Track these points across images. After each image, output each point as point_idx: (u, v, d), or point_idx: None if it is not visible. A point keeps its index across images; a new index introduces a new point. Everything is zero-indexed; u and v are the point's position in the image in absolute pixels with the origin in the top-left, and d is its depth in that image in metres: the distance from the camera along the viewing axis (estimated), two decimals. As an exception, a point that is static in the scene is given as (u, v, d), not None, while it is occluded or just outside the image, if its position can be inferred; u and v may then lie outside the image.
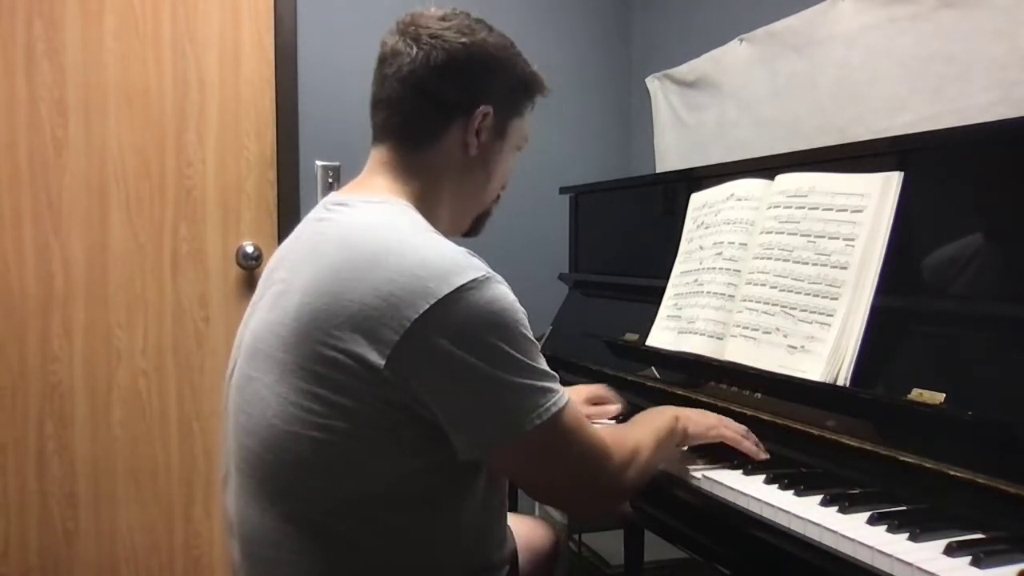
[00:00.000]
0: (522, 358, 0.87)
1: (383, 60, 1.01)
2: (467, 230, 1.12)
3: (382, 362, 0.83)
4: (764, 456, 1.12)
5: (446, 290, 0.83)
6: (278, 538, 0.91)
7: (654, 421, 1.08)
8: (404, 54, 0.98)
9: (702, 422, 1.14)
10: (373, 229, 0.92)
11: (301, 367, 0.87)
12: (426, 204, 1.00)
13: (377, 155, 1.03)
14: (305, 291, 0.89)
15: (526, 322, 0.89)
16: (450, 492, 0.93)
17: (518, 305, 0.89)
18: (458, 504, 0.94)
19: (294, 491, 0.90)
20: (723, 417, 1.17)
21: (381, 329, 0.83)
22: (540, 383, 0.88)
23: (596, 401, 1.43)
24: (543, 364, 0.90)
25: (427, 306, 0.83)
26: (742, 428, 1.15)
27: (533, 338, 0.90)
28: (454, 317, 0.83)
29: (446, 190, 1.03)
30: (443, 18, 1.00)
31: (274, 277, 0.99)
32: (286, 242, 1.05)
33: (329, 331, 0.85)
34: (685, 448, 1.16)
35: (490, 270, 0.88)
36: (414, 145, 1.01)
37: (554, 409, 0.88)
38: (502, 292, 0.87)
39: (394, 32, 1.01)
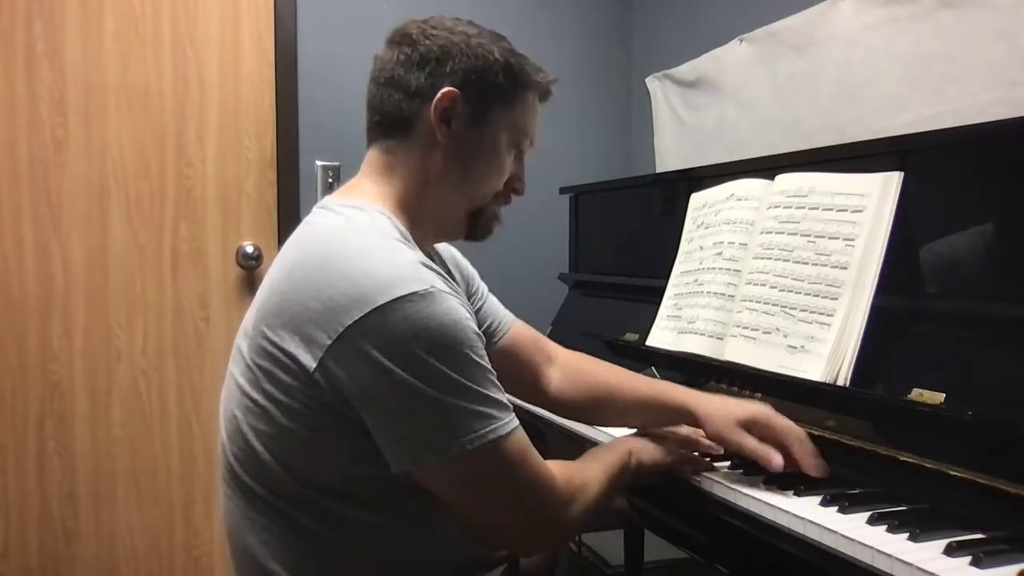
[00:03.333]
0: (458, 378, 0.84)
1: (372, 71, 1.03)
2: (467, 232, 1.07)
3: (313, 364, 0.84)
4: (722, 465, 1.11)
5: (383, 300, 0.82)
6: (250, 528, 0.93)
7: (606, 456, 1.05)
8: (384, 59, 1.01)
9: (655, 449, 1.11)
10: (331, 234, 0.92)
11: (253, 361, 0.91)
12: (410, 207, 1.00)
13: (367, 158, 1.04)
14: (265, 290, 0.94)
15: (473, 342, 0.86)
16: (411, 491, 0.90)
17: (465, 324, 0.85)
18: (424, 502, 0.91)
19: (257, 481, 0.92)
20: (676, 434, 1.15)
21: (316, 332, 0.84)
22: (477, 407, 0.84)
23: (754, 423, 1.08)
24: (488, 388, 0.86)
25: (361, 314, 0.82)
26: (692, 438, 1.14)
27: (481, 359, 0.87)
28: (387, 328, 0.82)
29: (426, 183, 1.00)
30: (425, 21, 1.01)
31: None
32: None
33: (274, 328, 0.88)
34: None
35: (440, 285, 0.85)
36: (390, 136, 1.00)
37: (491, 436, 0.85)
38: (445, 308, 0.84)
39: (384, 44, 1.03)
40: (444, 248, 1.20)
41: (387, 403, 0.84)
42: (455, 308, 0.85)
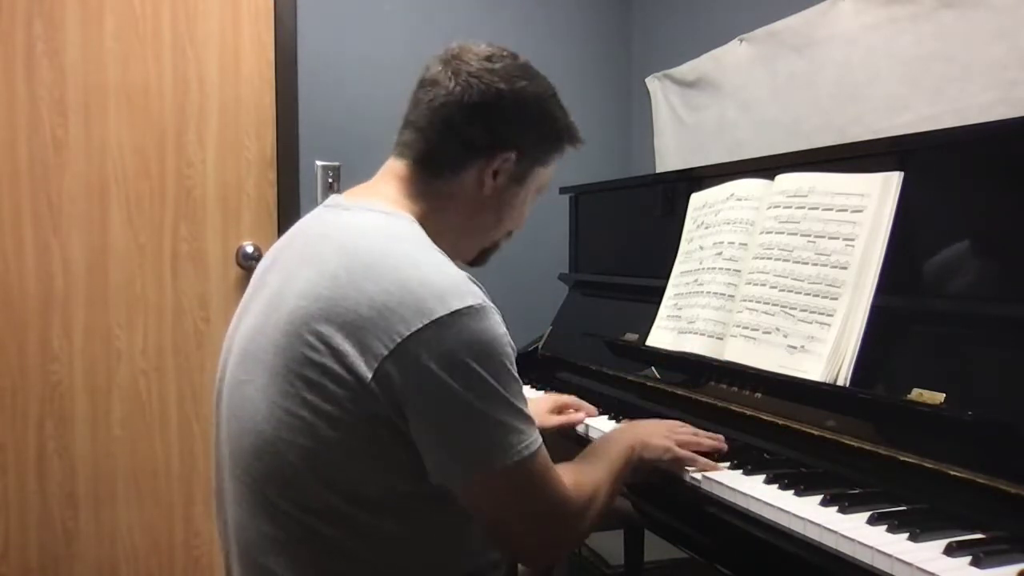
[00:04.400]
0: (504, 393, 0.86)
1: (422, 84, 1.02)
2: (471, 260, 1.11)
3: (369, 374, 0.83)
4: (722, 467, 1.11)
5: (442, 311, 0.83)
6: (271, 544, 0.91)
7: (610, 454, 1.06)
8: (442, 85, 0.98)
9: (656, 446, 1.11)
10: (375, 237, 0.91)
11: (290, 370, 0.87)
12: (430, 226, 0.98)
13: (393, 167, 1.03)
14: (300, 295, 0.88)
15: (513, 358, 0.88)
16: (440, 501, 0.91)
17: (508, 340, 0.88)
18: (449, 512, 0.92)
19: (284, 496, 0.89)
20: (673, 427, 1.16)
21: (372, 340, 0.83)
22: (517, 423, 0.87)
23: (561, 410, 1.44)
24: (524, 404, 0.89)
25: (420, 324, 0.82)
26: (691, 434, 1.15)
27: (517, 375, 0.89)
28: (445, 340, 0.82)
29: (452, 220, 1.02)
30: (489, 58, 1.00)
31: (267, 279, 0.98)
32: (279, 243, 1.05)
33: (320, 335, 0.85)
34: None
35: (487, 300, 0.88)
36: (431, 171, 1.00)
37: (526, 452, 0.86)
38: (495, 323, 0.87)
39: (438, 60, 1.01)
40: None
41: (440, 415, 0.84)
42: (500, 323, 0.88)
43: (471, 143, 0.99)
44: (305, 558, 0.90)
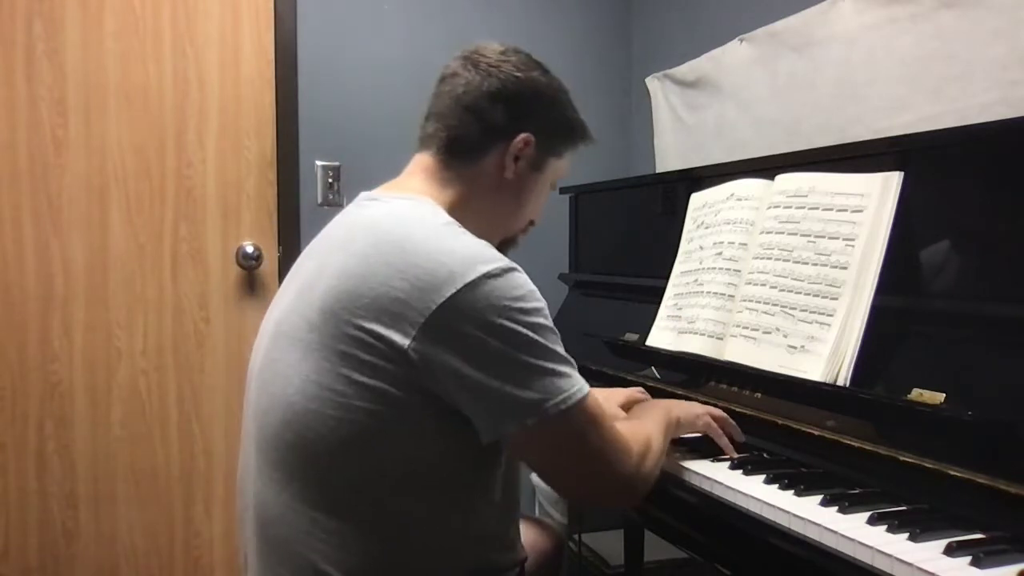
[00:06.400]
0: (544, 343, 0.90)
1: (442, 79, 1.09)
2: None
3: (407, 342, 0.87)
4: (734, 454, 1.16)
5: (471, 276, 0.87)
6: (293, 517, 0.93)
7: (652, 413, 1.12)
8: (463, 76, 1.06)
9: (690, 411, 1.18)
10: (401, 218, 0.97)
11: (326, 346, 0.90)
12: (456, 213, 1.03)
13: (419, 160, 1.09)
14: (334, 275, 0.93)
15: (546, 310, 0.93)
16: (465, 484, 0.96)
17: (539, 295, 0.93)
18: (471, 497, 0.97)
19: (311, 469, 0.92)
20: (708, 407, 1.22)
21: (407, 311, 0.87)
22: (562, 368, 0.90)
23: (631, 406, 1.36)
24: (564, 352, 0.92)
25: (453, 291, 0.86)
26: (722, 414, 1.21)
27: (553, 326, 0.93)
28: (478, 302, 0.87)
29: (475, 206, 1.07)
30: (503, 52, 1.08)
31: (301, 269, 1.04)
32: (315, 239, 1.09)
33: (356, 311, 0.89)
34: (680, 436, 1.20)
35: (512, 263, 0.93)
36: (456, 156, 1.06)
37: (578, 395, 0.90)
38: (524, 280, 0.92)
39: (457, 58, 1.09)
40: None
41: (484, 373, 0.87)
42: (528, 280, 0.93)
43: (492, 126, 1.05)
44: (326, 531, 0.92)
